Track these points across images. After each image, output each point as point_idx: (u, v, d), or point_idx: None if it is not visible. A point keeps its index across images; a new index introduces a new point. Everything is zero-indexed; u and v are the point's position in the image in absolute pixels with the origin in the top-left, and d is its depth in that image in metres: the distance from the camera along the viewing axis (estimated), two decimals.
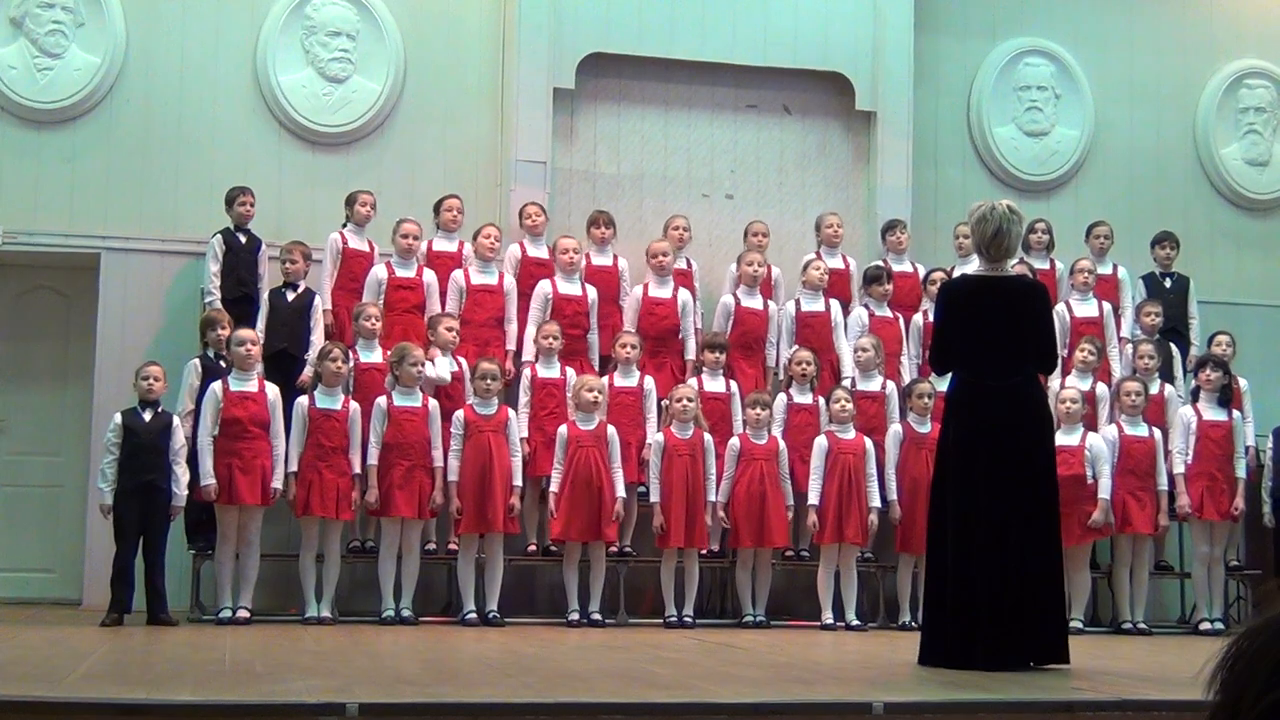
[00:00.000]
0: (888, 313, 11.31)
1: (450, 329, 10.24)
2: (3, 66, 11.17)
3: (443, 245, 11.01)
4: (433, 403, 9.85)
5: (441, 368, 10.12)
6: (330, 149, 11.57)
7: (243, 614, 9.50)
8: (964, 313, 7.26)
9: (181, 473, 9.38)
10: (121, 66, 11.35)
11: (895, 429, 10.48)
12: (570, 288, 10.82)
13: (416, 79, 11.89)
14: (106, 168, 11.30)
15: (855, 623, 10.16)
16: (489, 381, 9.80)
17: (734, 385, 10.68)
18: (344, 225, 10.89)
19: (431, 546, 10.26)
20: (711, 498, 10.06)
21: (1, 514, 11.34)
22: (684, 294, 11.03)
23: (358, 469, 9.66)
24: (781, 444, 10.29)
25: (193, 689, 5.75)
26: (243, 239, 10.72)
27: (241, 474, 9.40)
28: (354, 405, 9.73)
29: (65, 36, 11.23)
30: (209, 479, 9.39)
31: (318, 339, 10.29)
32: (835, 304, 11.20)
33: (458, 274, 10.72)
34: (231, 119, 11.56)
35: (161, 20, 11.45)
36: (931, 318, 8.57)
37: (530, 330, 10.58)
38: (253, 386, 9.59)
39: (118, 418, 9.39)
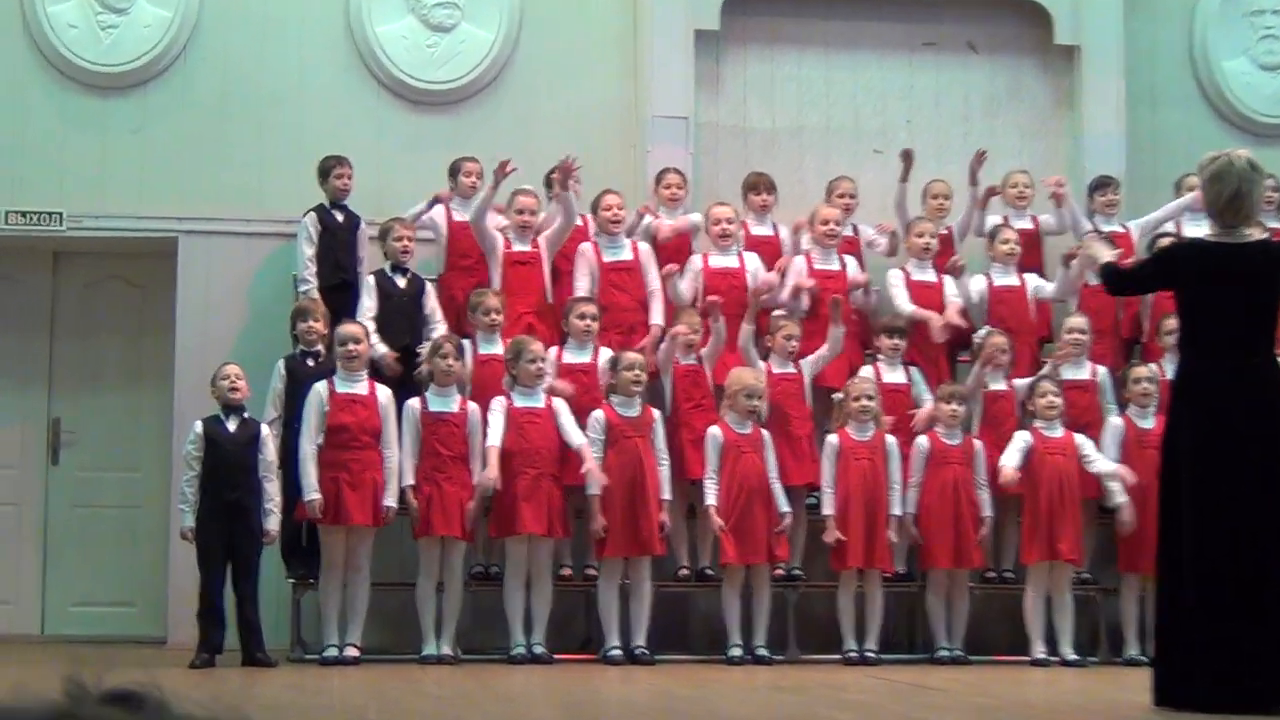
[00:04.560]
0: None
1: (583, 316, 10.19)
2: (61, 26, 11.36)
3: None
4: (557, 402, 9.84)
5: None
6: (436, 109, 11.62)
7: (351, 652, 9.54)
8: (1194, 285, 7.08)
9: (274, 490, 9.46)
10: (196, 21, 11.46)
11: (1115, 423, 10.30)
12: (726, 261, 10.76)
13: (534, 25, 11.90)
14: (181, 139, 11.41)
15: (1072, 657, 10.00)
16: (636, 371, 9.77)
17: (915, 374, 10.65)
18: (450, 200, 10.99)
19: (566, 572, 10.24)
20: (895, 510, 9.99)
21: (73, 540, 11.53)
22: (853, 265, 11.01)
23: (478, 478, 9.68)
24: (978, 445, 10.19)
25: None
26: (339, 217, 10.78)
27: (350, 489, 9.44)
28: (473, 407, 9.77)
29: None
30: (313, 494, 9.41)
31: (439, 329, 10.31)
32: (1032, 278, 11.10)
33: (586, 247, 10.73)
34: (322, 78, 11.65)
35: None
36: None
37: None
38: (362, 389, 9.66)
39: (198, 426, 9.47)
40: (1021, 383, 10.48)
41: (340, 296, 10.54)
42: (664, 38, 11.65)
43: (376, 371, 9.98)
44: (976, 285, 11.02)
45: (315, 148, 11.02)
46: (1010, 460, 9.95)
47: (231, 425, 9.43)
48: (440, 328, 10.36)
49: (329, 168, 10.80)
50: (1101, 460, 10.08)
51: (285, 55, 11.59)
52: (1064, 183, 11.14)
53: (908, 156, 11.00)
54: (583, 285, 10.57)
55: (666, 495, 9.80)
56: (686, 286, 10.67)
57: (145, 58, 11.39)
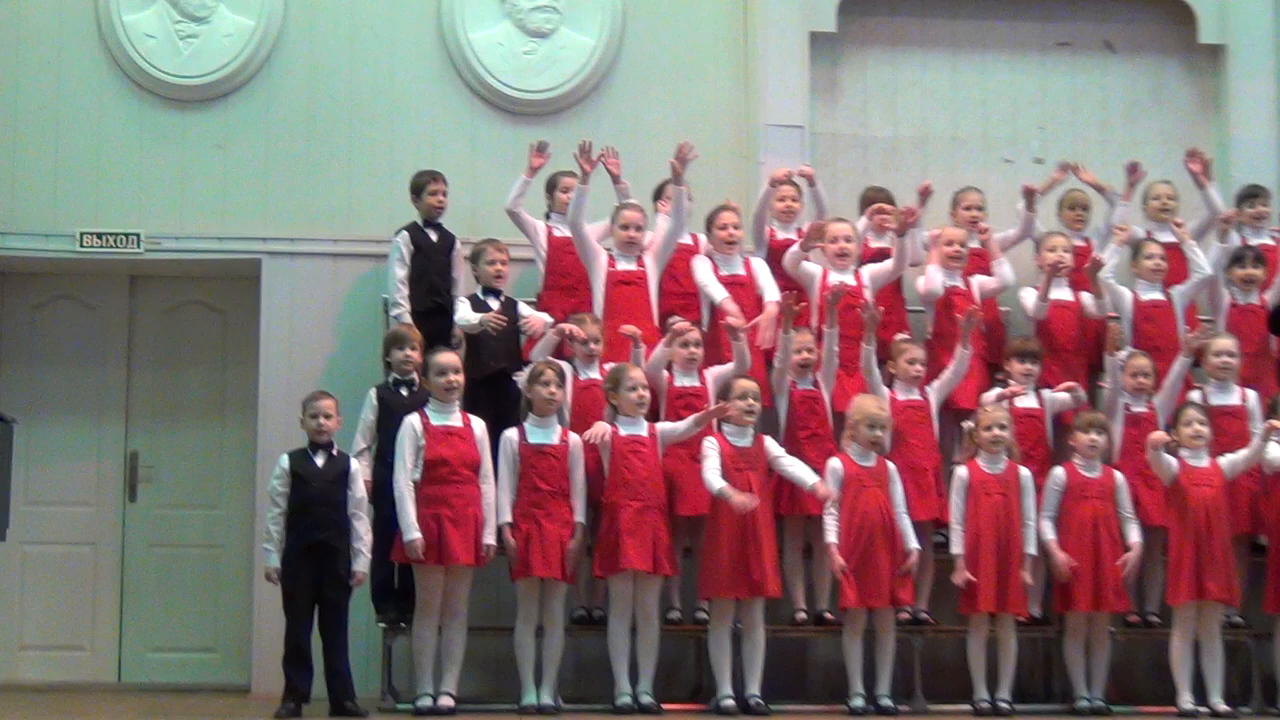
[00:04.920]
0: (1254, 299, 11.00)
1: (687, 343, 10.08)
2: (138, 36, 11.44)
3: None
4: (662, 427, 9.77)
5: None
6: (533, 120, 11.56)
7: (446, 702, 9.45)
8: None
9: (364, 529, 9.40)
10: (280, 29, 11.53)
11: (1276, 450, 10.06)
12: (844, 280, 10.61)
13: (638, 29, 11.89)
14: (265, 154, 11.46)
15: (1223, 708, 9.79)
16: (750, 401, 9.68)
17: (1049, 399, 10.55)
18: (547, 215, 10.90)
19: (675, 615, 10.15)
20: (1030, 549, 9.83)
21: (152, 581, 11.56)
22: (989, 283, 11.01)
23: (581, 516, 9.62)
24: (1119, 477, 10.03)
25: None
26: (433, 236, 10.71)
27: (453, 526, 9.31)
28: (574, 439, 9.68)
29: None
30: (414, 533, 9.29)
31: (542, 351, 10.19)
32: (1179, 291, 10.95)
33: (702, 264, 10.64)
34: (414, 89, 11.66)
35: None
36: None
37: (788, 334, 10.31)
38: (456, 420, 9.58)
39: (284, 461, 9.40)
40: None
41: (435, 321, 10.46)
42: (777, 41, 11.61)
43: (471, 402, 9.89)
44: (1121, 302, 10.89)
45: (406, 162, 11.02)
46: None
47: (320, 460, 9.36)
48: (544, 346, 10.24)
49: (422, 184, 10.76)
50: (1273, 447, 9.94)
51: (374, 65, 11.62)
52: (1203, 156, 11.12)
53: (925, 192, 10.84)
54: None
55: (913, 544, 9.74)
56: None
57: (227, 69, 11.43)
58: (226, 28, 11.46)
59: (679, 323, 10.03)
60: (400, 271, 10.54)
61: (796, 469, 9.64)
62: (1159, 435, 9.82)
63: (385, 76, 11.64)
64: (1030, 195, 11.10)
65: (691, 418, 9.66)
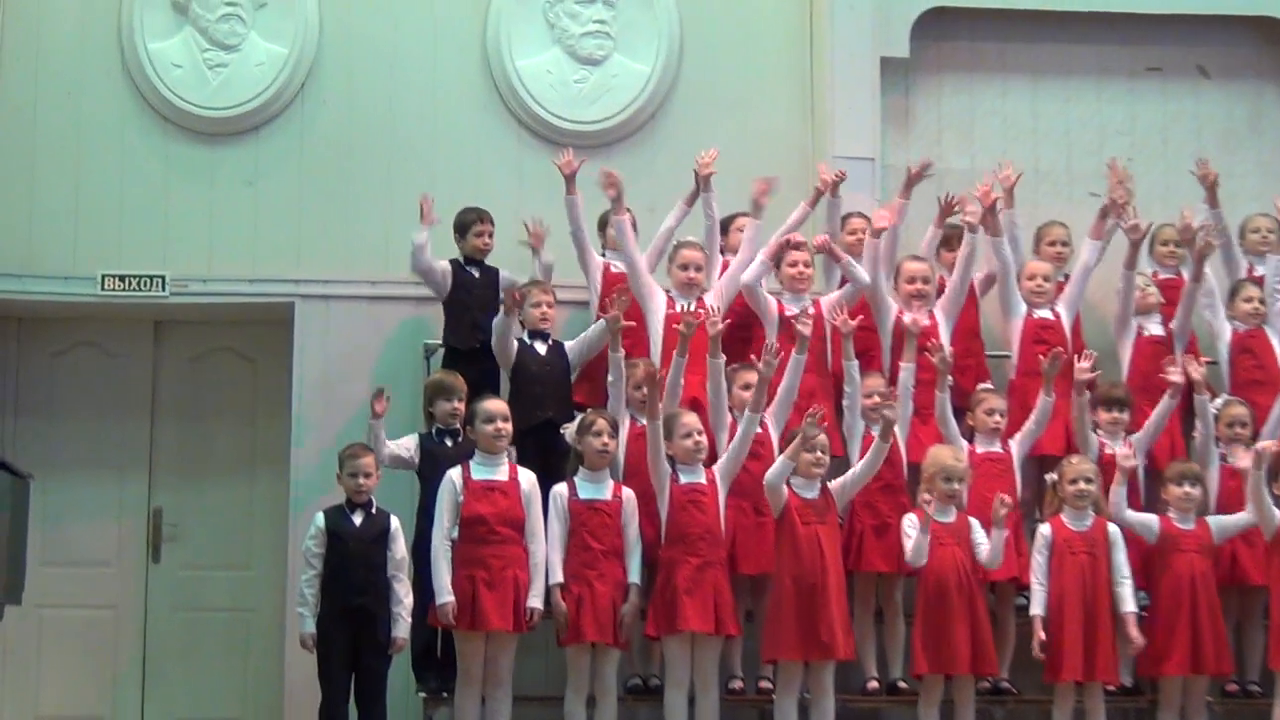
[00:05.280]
0: None
1: (746, 386, 9.95)
2: (165, 66, 11.42)
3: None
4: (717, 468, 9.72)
5: None
6: (585, 152, 11.20)
7: None
8: None
9: (404, 593, 9.35)
10: (315, 57, 11.53)
11: None
12: (916, 318, 10.46)
13: (696, 56, 11.88)
14: (299, 190, 11.45)
15: None
16: (819, 454, 9.56)
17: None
18: (602, 253, 10.89)
19: (738, 685, 10.04)
20: (1129, 607, 9.71)
21: (176, 648, 11.48)
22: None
23: (636, 576, 9.56)
24: (1114, 531, 9.86)
25: None
26: (476, 273, 10.68)
27: (488, 589, 9.22)
28: (628, 494, 9.62)
29: (242, 21, 11.48)
30: (446, 596, 9.23)
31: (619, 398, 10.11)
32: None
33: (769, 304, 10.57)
34: (457, 120, 11.64)
35: None
36: None
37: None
38: (502, 474, 9.49)
39: (320, 520, 9.36)
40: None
41: (478, 363, 10.39)
42: (846, 67, 11.62)
43: (516, 454, 9.81)
44: (1220, 337, 11.01)
45: (449, 198, 10.83)
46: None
47: (358, 519, 9.33)
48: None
49: (468, 223, 10.69)
50: None
51: (415, 95, 11.61)
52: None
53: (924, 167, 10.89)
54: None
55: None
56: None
57: (258, 100, 11.43)
58: (258, 56, 11.44)
59: (811, 426, 9.57)
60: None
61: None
62: (1269, 445, 9.78)
63: (426, 107, 11.60)
64: (1137, 235, 10.88)
65: (788, 451, 9.50)
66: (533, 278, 10.68)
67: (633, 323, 10.11)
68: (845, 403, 10.22)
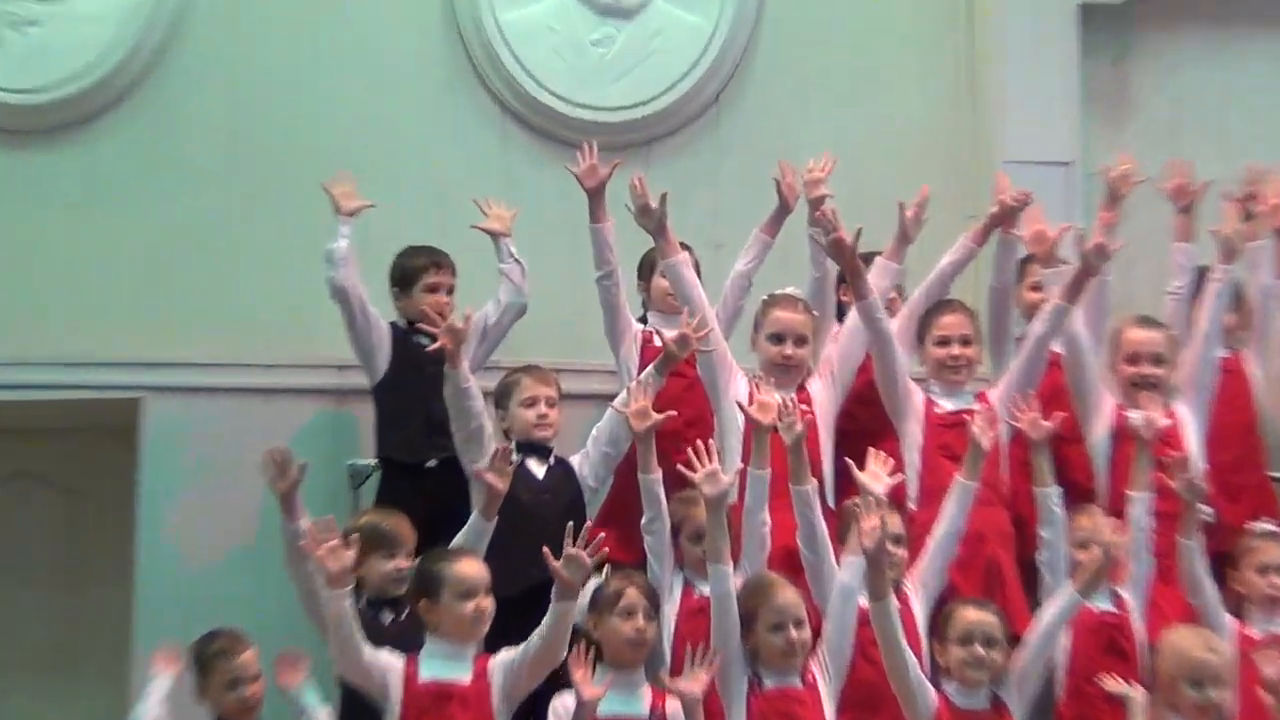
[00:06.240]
0: None
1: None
2: None
3: None
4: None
5: None
6: (613, 155, 9.54)
7: None
8: None
9: None
10: (180, 7, 10.06)
11: None
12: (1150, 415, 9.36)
13: (784, 6, 10.64)
14: (152, 221, 9.95)
15: None
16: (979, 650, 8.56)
17: None
18: (641, 317, 9.44)
19: None
20: None
21: None
22: None
23: None
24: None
25: None
26: (426, 342, 8.98)
27: None
28: (673, 709, 7.99)
29: None
30: None
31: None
32: None
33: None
34: (404, 104, 10.33)
35: None
36: None
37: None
38: (464, 671, 7.82)
39: None
40: None
41: (437, 489, 8.89)
42: (1023, 24, 10.52)
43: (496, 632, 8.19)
44: None
45: (391, 229, 9.40)
46: None
47: None
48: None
49: (414, 270, 9.24)
50: None
51: (335, 65, 10.24)
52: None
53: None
54: (913, 438, 9.24)
55: None
56: None
57: (88, 78, 10.01)
58: (88, 6, 9.90)
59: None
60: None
61: None
62: None
63: (355, 86, 10.18)
64: None
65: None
66: (525, 364, 9.08)
67: (673, 412, 8.56)
68: (1041, 556, 8.77)
